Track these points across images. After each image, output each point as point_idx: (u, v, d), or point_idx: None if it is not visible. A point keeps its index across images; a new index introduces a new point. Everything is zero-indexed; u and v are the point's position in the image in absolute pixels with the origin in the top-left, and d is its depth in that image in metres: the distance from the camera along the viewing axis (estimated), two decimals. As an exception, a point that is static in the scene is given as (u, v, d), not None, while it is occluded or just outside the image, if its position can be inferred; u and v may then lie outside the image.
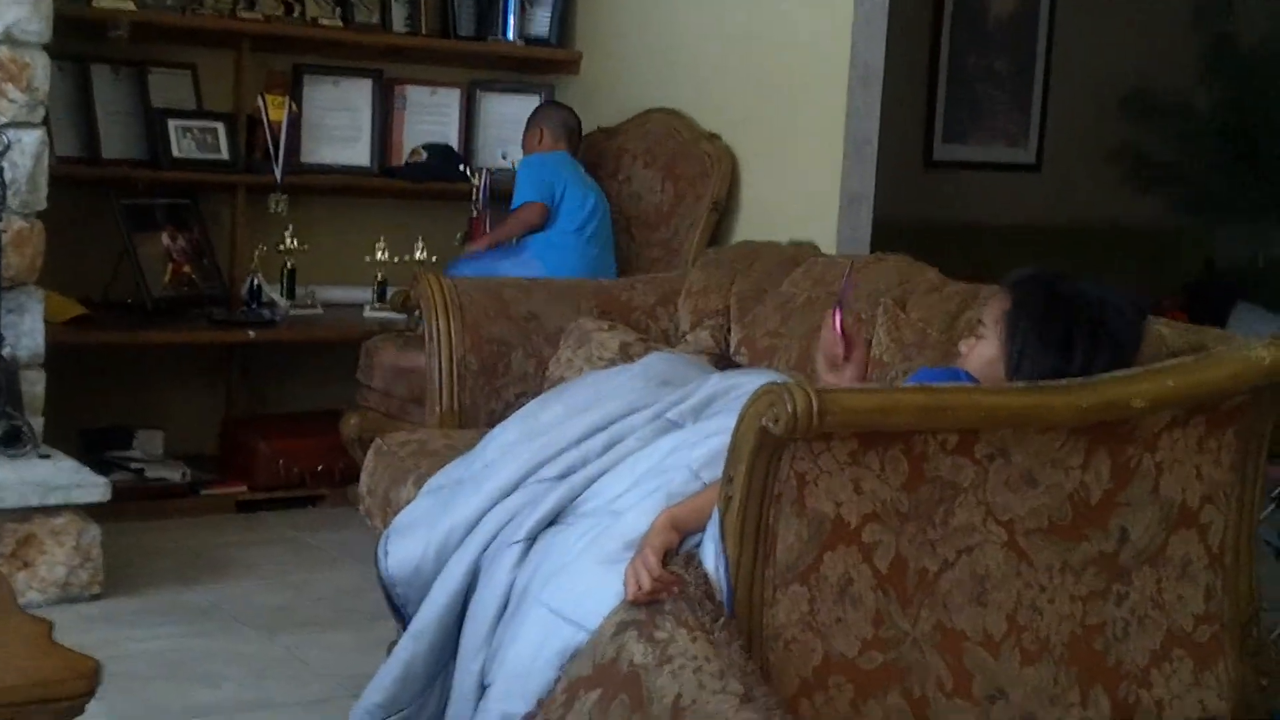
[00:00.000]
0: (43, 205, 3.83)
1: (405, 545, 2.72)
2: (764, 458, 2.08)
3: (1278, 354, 2.33)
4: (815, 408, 2.02)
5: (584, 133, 4.80)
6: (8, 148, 3.68)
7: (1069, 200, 6.49)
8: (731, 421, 2.14)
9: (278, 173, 4.73)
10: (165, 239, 4.65)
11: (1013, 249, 5.47)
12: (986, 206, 6.31)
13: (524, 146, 4.68)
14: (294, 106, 4.79)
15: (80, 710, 1.91)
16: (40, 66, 3.78)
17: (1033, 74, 6.47)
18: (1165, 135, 6.44)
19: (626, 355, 3.33)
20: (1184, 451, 2.35)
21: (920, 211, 5.84)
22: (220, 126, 4.74)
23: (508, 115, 5.22)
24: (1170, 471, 2.35)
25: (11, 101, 3.74)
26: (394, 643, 2.71)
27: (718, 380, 2.82)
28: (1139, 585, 2.36)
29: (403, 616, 2.73)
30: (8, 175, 3.71)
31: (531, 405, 2.95)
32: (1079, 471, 2.28)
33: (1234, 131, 6.48)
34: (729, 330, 3.55)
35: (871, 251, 4.02)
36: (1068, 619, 2.29)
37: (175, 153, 4.65)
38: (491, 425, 3.03)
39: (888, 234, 4.20)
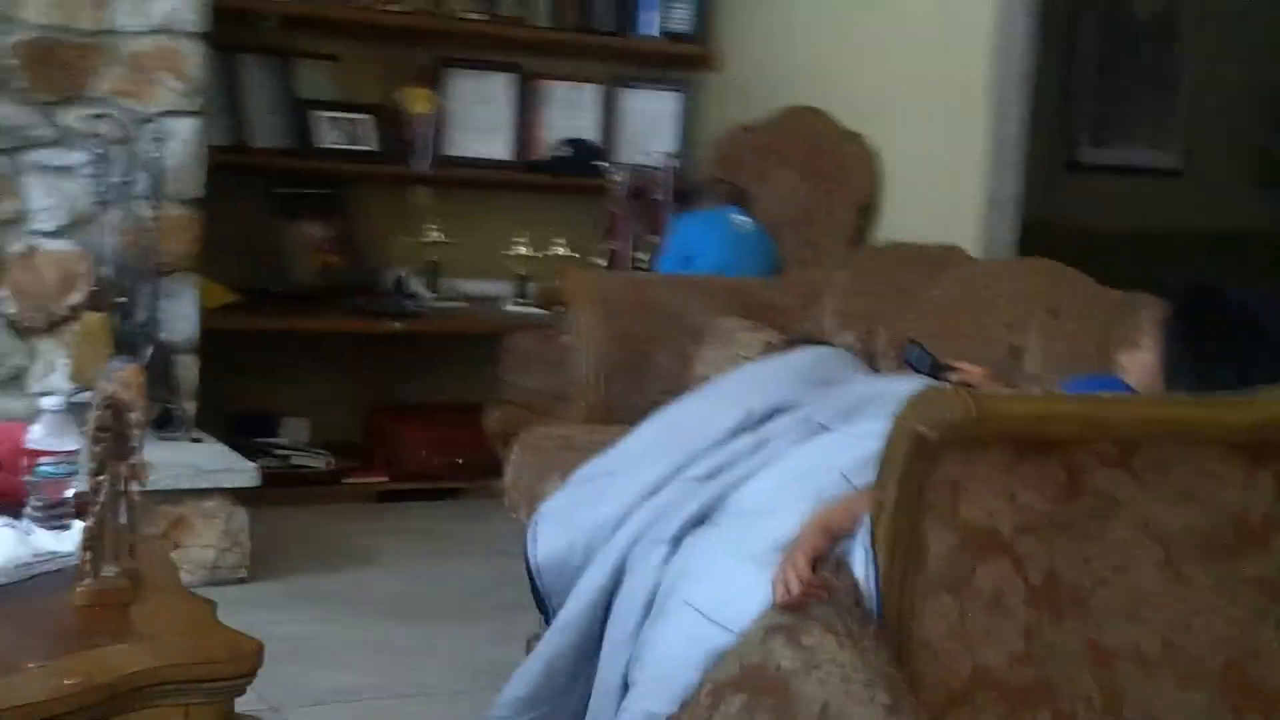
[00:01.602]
0: (198, 192, 3.90)
1: (555, 532, 2.74)
2: (918, 464, 2.05)
3: None
4: (974, 414, 1.99)
5: (728, 132, 4.81)
6: (164, 137, 3.76)
7: (1214, 207, 6.34)
8: (884, 426, 2.11)
9: (422, 165, 4.78)
10: (313, 228, 4.71)
11: (1157, 256, 5.37)
12: (1133, 211, 6.19)
13: None
14: (439, 100, 4.84)
15: (242, 690, 1.93)
16: (195, 56, 3.85)
17: (1178, 75, 6.33)
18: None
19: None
20: (1352, 472, 2.28)
21: (1065, 216, 5.74)
22: (367, 119, 4.79)
23: (648, 111, 5.24)
24: (1336, 492, 2.28)
25: (169, 90, 3.82)
26: (534, 636, 2.74)
27: (868, 383, 2.85)
28: (1299, 609, 2.30)
29: (546, 608, 2.75)
30: (166, 163, 3.79)
31: (678, 402, 2.95)
32: (1240, 490, 2.22)
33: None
34: (874, 333, 3.56)
35: (1020, 254, 3.99)
36: (1224, 642, 2.23)
37: (322, 143, 4.69)
38: (635, 422, 3.04)
39: (1033, 238, 4.15)
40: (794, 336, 3.50)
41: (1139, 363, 2.56)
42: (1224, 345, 2.41)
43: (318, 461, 4.58)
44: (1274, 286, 2.55)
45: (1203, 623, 2.22)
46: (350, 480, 4.61)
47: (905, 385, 2.63)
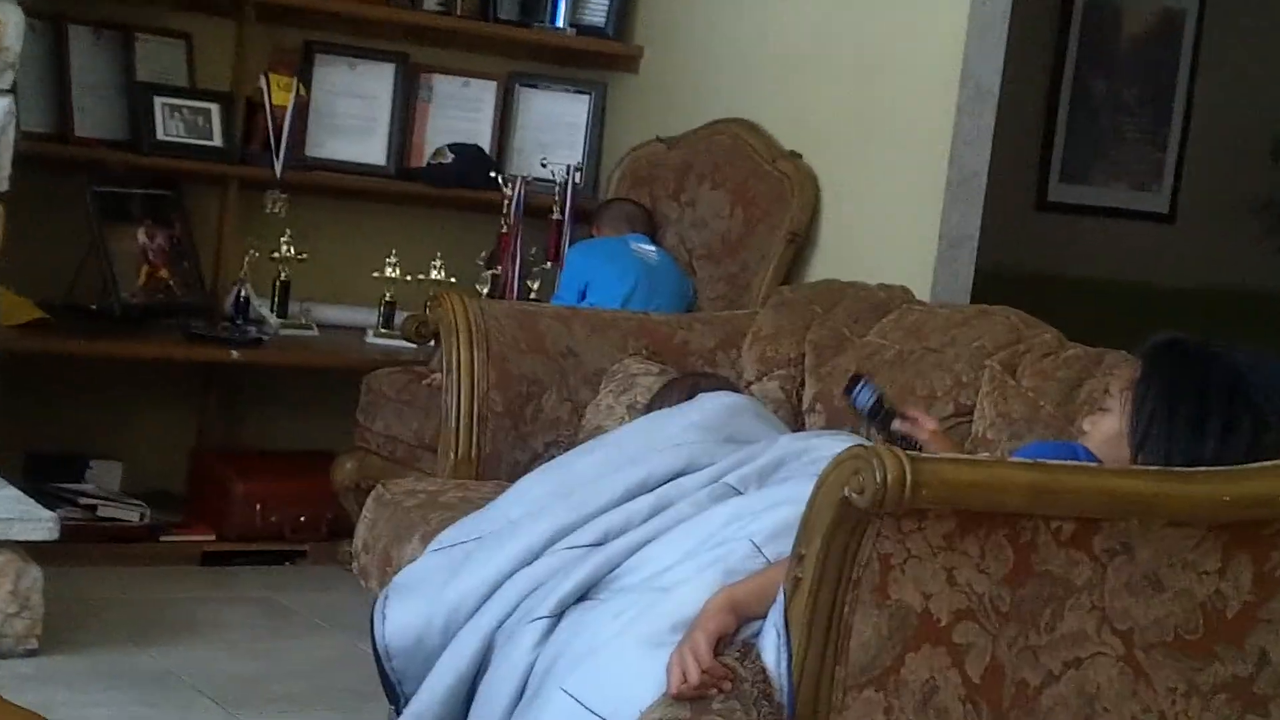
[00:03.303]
0: (3, 186, 3.86)
1: (408, 609, 2.73)
2: (843, 535, 2.09)
3: None
4: (909, 478, 2.03)
5: (642, 143, 4.86)
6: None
7: (1208, 258, 6.45)
8: (804, 490, 2.15)
9: (278, 167, 4.76)
10: (141, 235, 4.66)
11: (1138, 311, 5.45)
12: (1109, 258, 6.28)
13: None
14: (302, 90, 4.83)
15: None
16: (12, 24, 3.81)
17: (1171, 106, 6.44)
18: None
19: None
20: (1344, 562, 2.34)
21: (1030, 260, 5.81)
22: (214, 109, 4.78)
23: (551, 116, 5.26)
24: (1325, 585, 2.33)
25: (-25, 63, 3.79)
26: (385, 728, 2.73)
27: (789, 441, 2.84)
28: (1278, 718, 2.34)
29: (397, 696, 2.73)
30: (-35, 149, 3.75)
31: (566, 456, 2.97)
32: (1215, 577, 2.27)
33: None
34: (802, 383, 3.56)
35: (973, 300, 4.02)
36: (1192, 754, 2.28)
37: (160, 135, 4.68)
38: (515, 477, 3.04)
39: (992, 285, 4.19)
40: (699, 373, 3.52)
41: (1104, 428, 2.61)
42: (1201, 409, 2.46)
43: (131, 514, 4.51)
44: (1262, 345, 2.61)
45: (1167, 731, 2.26)
46: (170, 538, 4.55)
47: (831, 443, 2.70)
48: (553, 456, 3.23)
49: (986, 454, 2.95)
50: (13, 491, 3.80)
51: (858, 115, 4.45)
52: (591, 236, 4.72)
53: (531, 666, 2.48)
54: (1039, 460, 2.25)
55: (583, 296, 4.42)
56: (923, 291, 3.99)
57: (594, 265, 4.48)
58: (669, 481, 2.77)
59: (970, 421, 3.17)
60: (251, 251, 4.75)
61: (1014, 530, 2.15)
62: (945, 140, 4.17)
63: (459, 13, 5.11)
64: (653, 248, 4.58)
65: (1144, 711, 2.25)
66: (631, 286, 4.41)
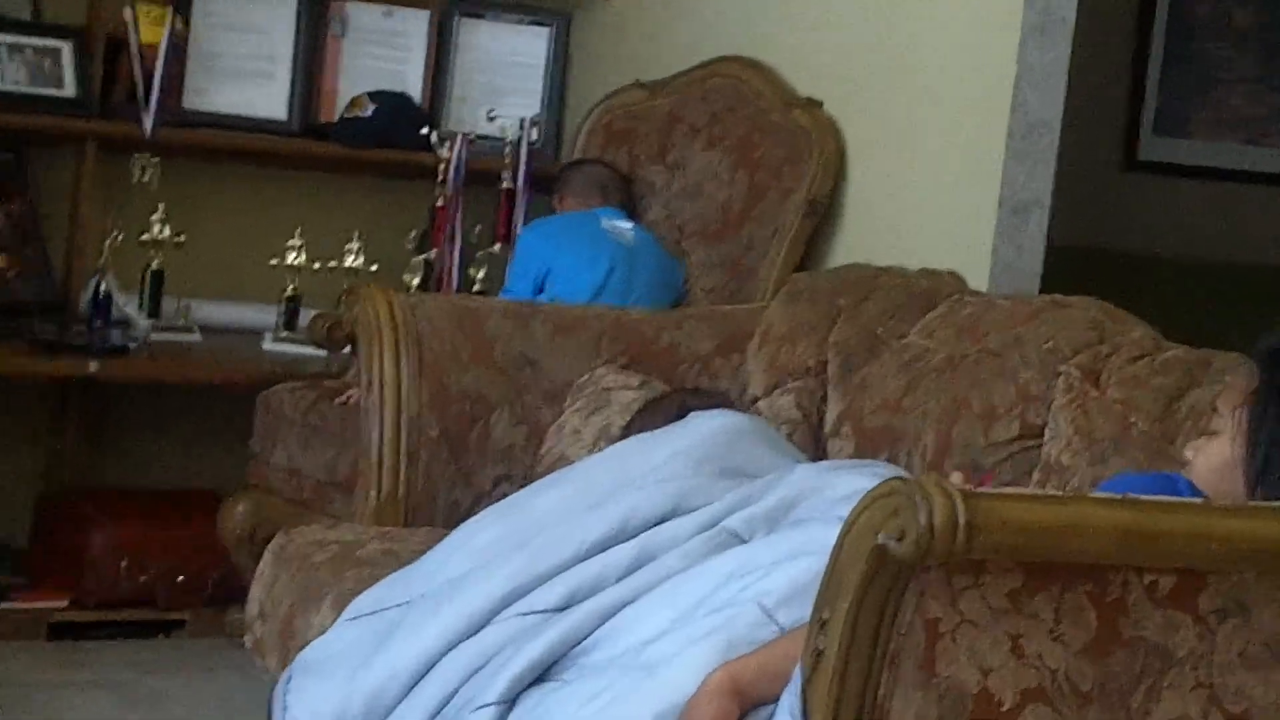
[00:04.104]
0: None
1: (317, 695, 2.72)
2: (877, 594, 2.07)
3: None
4: (962, 519, 2.01)
5: (618, 89, 4.87)
6: None
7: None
8: (826, 537, 2.14)
9: (147, 123, 4.75)
10: (-28, 213, 4.68)
11: (1254, 301, 5.43)
12: (1217, 233, 6.28)
13: None
14: (179, 24, 4.82)
15: None
16: None
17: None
18: None
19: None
20: None
21: (1115, 235, 5.81)
22: (65, 47, 4.77)
23: (500, 55, 5.26)
24: None
25: None
26: None
27: (806, 474, 2.84)
28: None
29: (303, 807, 2.74)
30: None
31: (519, 496, 2.96)
32: (1356, 646, 2.27)
33: None
34: (824, 399, 3.57)
35: (1042, 291, 4.01)
36: None
37: (-3, 83, 4.69)
38: (455, 523, 3.03)
39: (1067, 267, 4.19)
40: (690, 388, 3.51)
41: (1212, 455, 2.60)
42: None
43: (-40, 574, 4.53)
44: None
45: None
46: (8, 605, 4.54)
47: (859, 477, 2.70)
48: (504, 496, 3.20)
49: (1059, 488, 2.95)
50: None
51: (893, 51, 4.46)
52: (553, 211, 4.71)
53: (477, 769, 2.48)
54: (1129, 496, 2.24)
55: (541, 289, 4.42)
56: (978, 278, 3.99)
57: (556, 248, 4.48)
58: (653, 527, 2.76)
59: (1040, 445, 3.17)
60: (115, 233, 4.73)
61: (1098, 586, 2.14)
62: (1006, 81, 4.18)
63: (382, -79, 5.14)
64: (630, 225, 4.58)
65: (1264, 819, 2.26)
66: (604, 275, 4.42)
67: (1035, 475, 3.11)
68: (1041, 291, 3.99)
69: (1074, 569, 2.13)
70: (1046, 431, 3.11)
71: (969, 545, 2.02)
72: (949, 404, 3.28)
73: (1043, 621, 2.13)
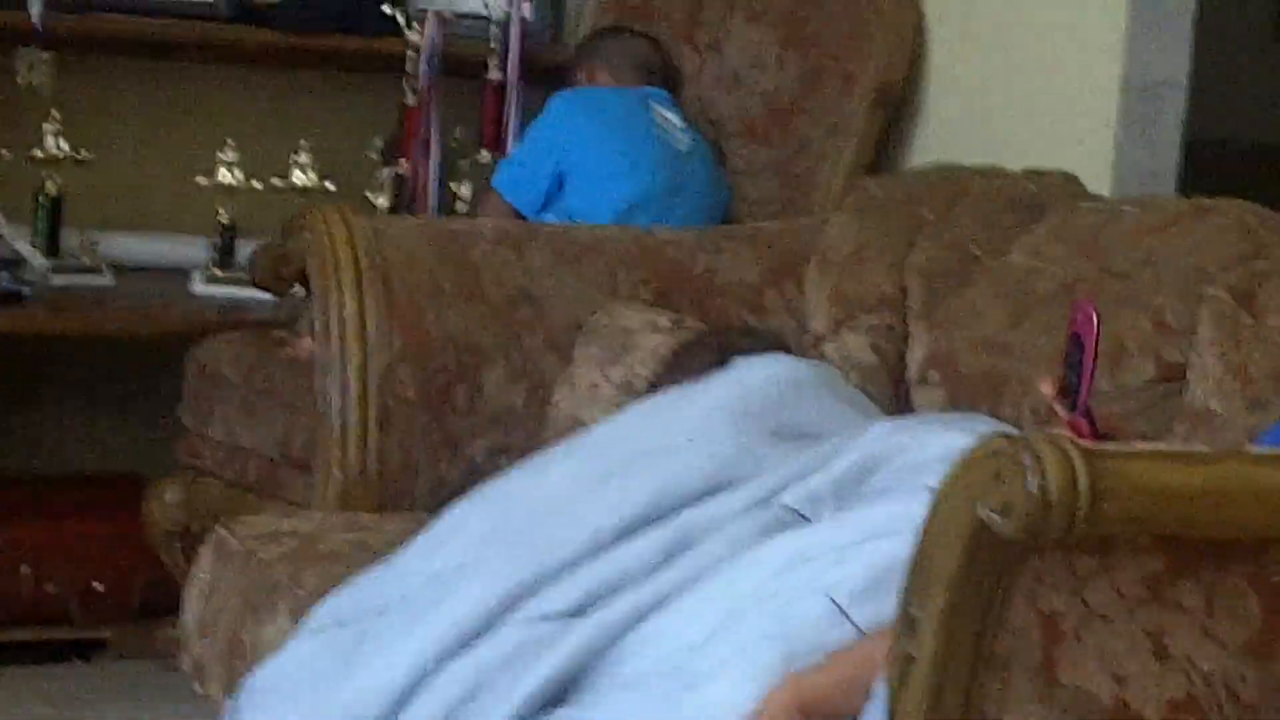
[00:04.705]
0: None
1: (271, 722, 2.72)
2: (979, 584, 2.07)
3: None
4: (1084, 484, 1.98)
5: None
6: None
7: None
8: (911, 513, 2.14)
9: (35, 8, 4.72)
10: None
11: None
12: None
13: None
14: None
15: None
16: None
17: None
18: None
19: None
20: None
21: (1271, 126, 5.80)
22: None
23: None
24: None
25: None
26: None
27: (883, 433, 2.88)
28: None
29: None
30: None
31: (521, 471, 3.00)
32: None
33: None
34: (905, 337, 3.60)
35: (1179, 194, 4.01)
36: None
37: None
38: (439, 506, 3.04)
39: (1212, 165, 4.17)
40: (734, 327, 3.51)
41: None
42: None
43: None
44: None
45: None
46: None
47: (951, 435, 2.72)
48: (503, 472, 3.18)
49: (1206, 443, 2.92)
50: None
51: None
52: (577, 78, 4.69)
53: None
54: (1299, 452, 2.22)
55: (546, 202, 4.39)
56: (1098, 179, 4.00)
57: (584, 132, 4.45)
58: (690, 505, 2.79)
59: (1182, 390, 3.17)
60: (3, 150, 4.71)
61: (1261, 567, 2.15)
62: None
63: None
64: (683, 123, 4.55)
65: None
66: (644, 189, 4.40)
67: (1178, 427, 3.10)
68: (1178, 195, 4.00)
69: (1230, 546, 2.14)
70: (1190, 372, 3.10)
71: (1095, 518, 2.00)
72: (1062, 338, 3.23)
73: (1191, 614, 2.14)
